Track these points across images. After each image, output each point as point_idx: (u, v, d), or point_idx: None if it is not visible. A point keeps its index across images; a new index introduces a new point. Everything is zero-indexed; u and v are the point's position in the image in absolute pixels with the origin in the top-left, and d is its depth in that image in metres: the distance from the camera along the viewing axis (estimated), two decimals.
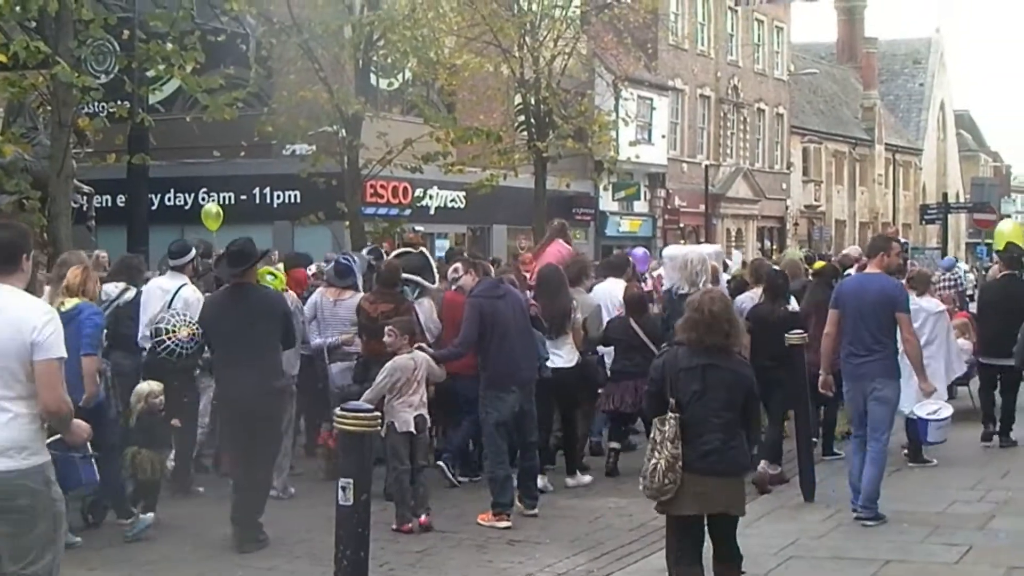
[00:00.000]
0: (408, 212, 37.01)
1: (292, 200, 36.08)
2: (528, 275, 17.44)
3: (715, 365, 8.85)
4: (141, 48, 22.34)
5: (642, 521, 12.73)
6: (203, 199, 37.58)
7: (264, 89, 30.97)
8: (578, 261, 17.55)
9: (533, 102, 36.27)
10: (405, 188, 38.42)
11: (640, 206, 55.95)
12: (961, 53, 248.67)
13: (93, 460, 9.03)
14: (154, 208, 33.25)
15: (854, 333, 13.01)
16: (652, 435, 8.95)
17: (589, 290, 16.95)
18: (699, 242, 50.33)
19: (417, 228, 30.90)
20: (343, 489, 6.98)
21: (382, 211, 35.12)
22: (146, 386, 13.10)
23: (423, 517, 12.78)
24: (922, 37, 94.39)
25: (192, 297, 14.69)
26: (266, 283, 14.39)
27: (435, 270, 16.47)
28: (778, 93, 69.50)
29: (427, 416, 13.12)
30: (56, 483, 7.39)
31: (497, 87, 38.03)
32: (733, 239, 61.90)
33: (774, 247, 66.29)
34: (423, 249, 17.81)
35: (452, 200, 41.17)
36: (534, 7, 36.01)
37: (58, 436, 7.66)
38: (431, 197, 40.45)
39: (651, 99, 54.26)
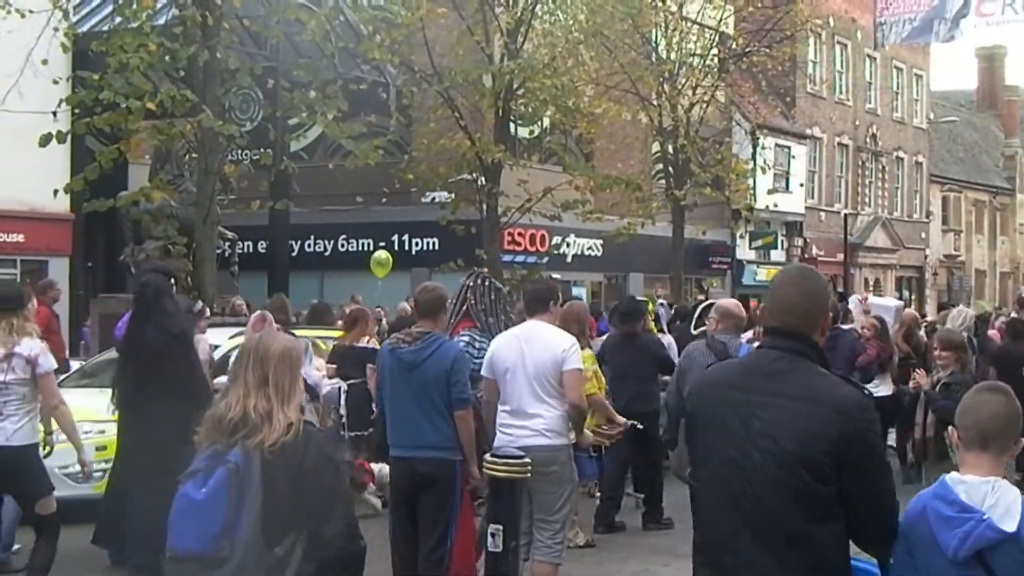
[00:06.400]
0: (546, 260, 37.03)
1: (431, 247, 36.19)
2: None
3: None
4: (285, 96, 22.70)
5: None
6: (342, 245, 37.94)
7: (404, 137, 31.24)
8: None
9: (671, 150, 36.30)
10: (543, 236, 38.40)
11: (777, 255, 55.45)
12: None
13: (594, 460, 12.24)
14: (294, 254, 33.65)
15: None
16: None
17: None
18: (836, 292, 49.86)
19: (554, 276, 30.94)
20: (492, 536, 7.01)
21: (519, 259, 35.17)
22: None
23: None
24: None
25: None
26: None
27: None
28: (917, 141, 68.69)
29: None
30: (573, 460, 10.56)
31: (635, 135, 38.04)
32: (871, 289, 61.15)
33: (913, 297, 65.45)
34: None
35: (589, 248, 41.07)
36: (672, 56, 36.01)
37: (574, 441, 10.69)
38: (568, 245, 40.37)
39: (789, 147, 53.87)
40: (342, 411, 15.26)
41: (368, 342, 15.90)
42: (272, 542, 5.72)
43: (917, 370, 13.15)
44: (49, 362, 10.33)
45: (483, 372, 10.62)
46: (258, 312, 13.97)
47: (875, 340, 18.32)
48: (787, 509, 4.97)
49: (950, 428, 11.34)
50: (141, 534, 11.32)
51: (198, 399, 12.04)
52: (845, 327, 18.53)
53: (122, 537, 11.90)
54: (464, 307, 11.73)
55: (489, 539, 6.94)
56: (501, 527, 7.03)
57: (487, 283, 11.94)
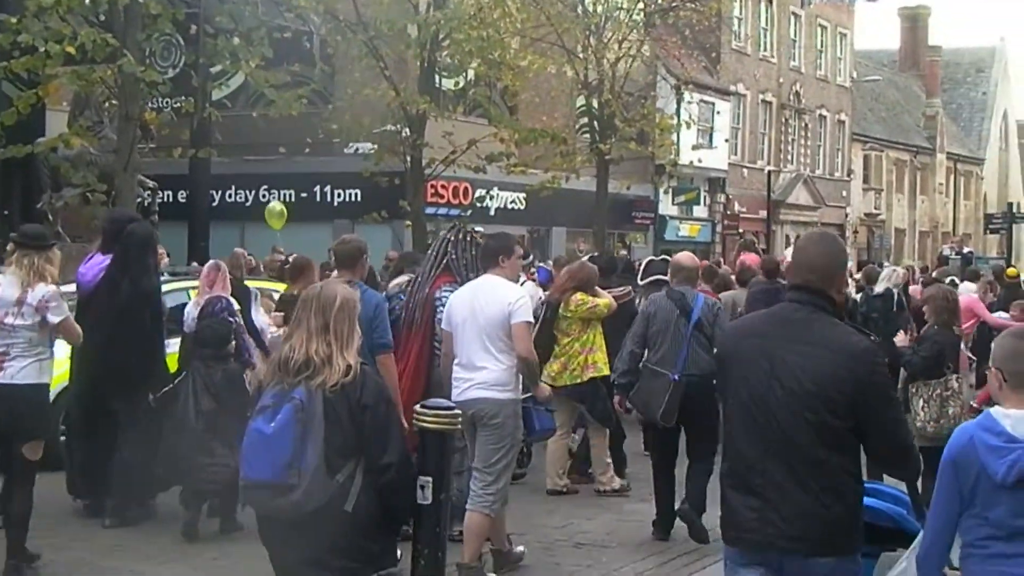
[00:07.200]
0: (469, 212, 36.83)
1: (353, 199, 35.93)
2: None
3: None
4: (207, 43, 22.36)
5: (710, 526, 12.53)
6: (263, 196, 37.53)
7: (328, 87, 30.98)
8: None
9: (596, 104, 36.22)
10: (466, 188, 38.29)
11: (700, 211, 55.66)
12: None
13: (551, 414, 12.05)
14: (215, 204, 33.29)
15: None
16: (938, 391, 12.33)
17: None
18: (757, 248, 50.00)
19: (478, 229, 30.78)
20: (422, 488, 7.00)
21: (442, 211, 35.04)
22: None
23: None
24: (986, 46, 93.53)
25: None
26: None
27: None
28: (840, 100, 69.02)
29: None
30: (520, 415, 10.77)
31: (560, 89, 37.96)
32: (792, 246, 61.47)
33: None
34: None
35: (512, 201, 40.97)
36: (599, 9, 35.92)
37: (529, 394, 11.05)
38: (492, 198, 40.27)
39: (713, 103, 53.90)
40: None
41: None
42: (333, 470, 6.37)
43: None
44: (60, 311, 10.42)
45: (443, 325, 10.99)
46: (212, 261, 13.98)
47: None
48: (807, 439, 5.93)
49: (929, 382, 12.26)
50: (122, 481, 12.18)
51: (155, 354, 12.76)
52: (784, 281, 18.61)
53: (96, 485, 12.40)
54: (444, 261, 11.85)
55: (419, 491, 6.88)
56: (431, 479, 6.98)
57: (468, 238, 12.01)
